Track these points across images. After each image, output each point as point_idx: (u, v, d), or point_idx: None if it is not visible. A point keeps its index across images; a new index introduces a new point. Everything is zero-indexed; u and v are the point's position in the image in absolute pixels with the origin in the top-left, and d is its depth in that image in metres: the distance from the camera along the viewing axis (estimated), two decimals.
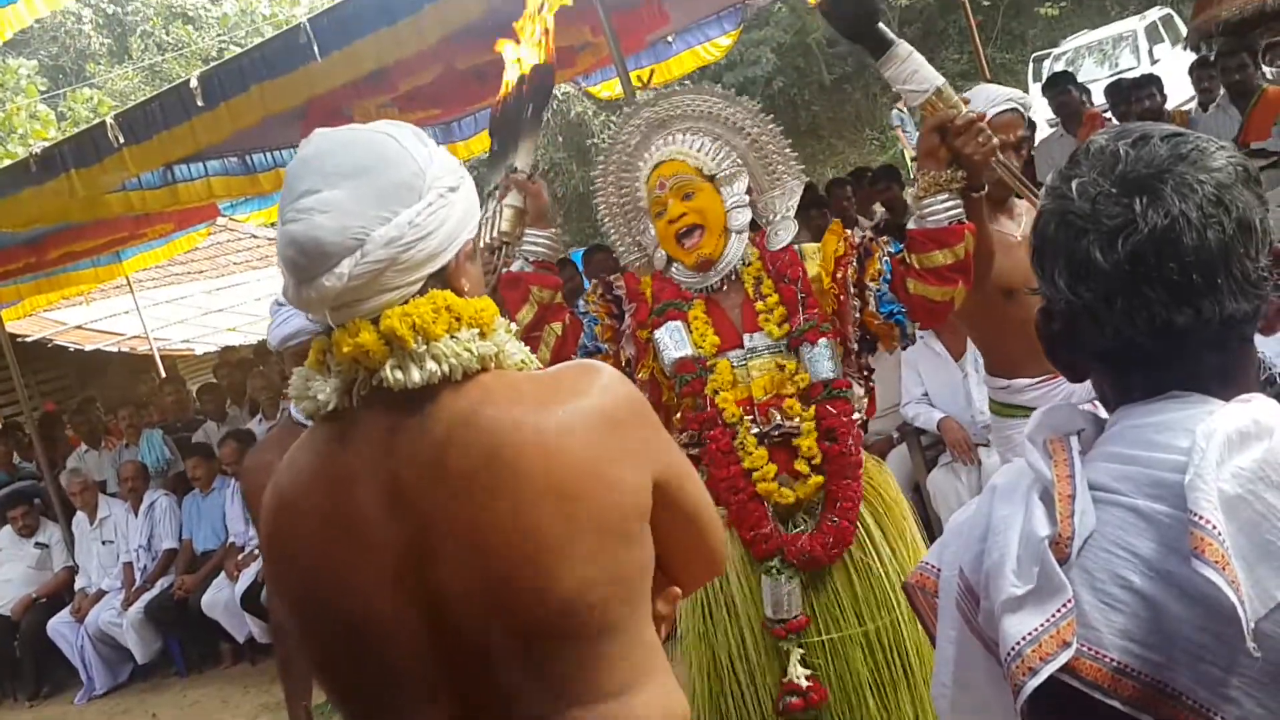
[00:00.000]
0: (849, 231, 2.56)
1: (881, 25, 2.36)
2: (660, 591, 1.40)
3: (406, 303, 1.26)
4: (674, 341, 2.55)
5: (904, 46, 2.33)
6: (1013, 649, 0.94)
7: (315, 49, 5.33)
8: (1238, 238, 0.98)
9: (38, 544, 7.80)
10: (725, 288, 2.59)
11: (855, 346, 2.56)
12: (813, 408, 2.48)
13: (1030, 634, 0.94)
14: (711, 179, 2.57)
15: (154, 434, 8.15)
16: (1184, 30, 14.48)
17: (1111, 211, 0.99)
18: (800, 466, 2.47)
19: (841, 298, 2.51)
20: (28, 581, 7.70)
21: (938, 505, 4.83)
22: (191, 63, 19.76)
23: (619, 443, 1.27)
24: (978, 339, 3.41)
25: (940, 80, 2.33)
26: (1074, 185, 1.02)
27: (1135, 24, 17.57)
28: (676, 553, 1.39)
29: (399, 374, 1.25)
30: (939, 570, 1.12)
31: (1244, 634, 0.89)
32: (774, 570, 2.43)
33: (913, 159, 9.93)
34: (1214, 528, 0.89)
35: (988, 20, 19.01)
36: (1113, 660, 0.94)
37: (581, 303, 2.71)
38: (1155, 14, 17.65)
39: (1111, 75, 11.68)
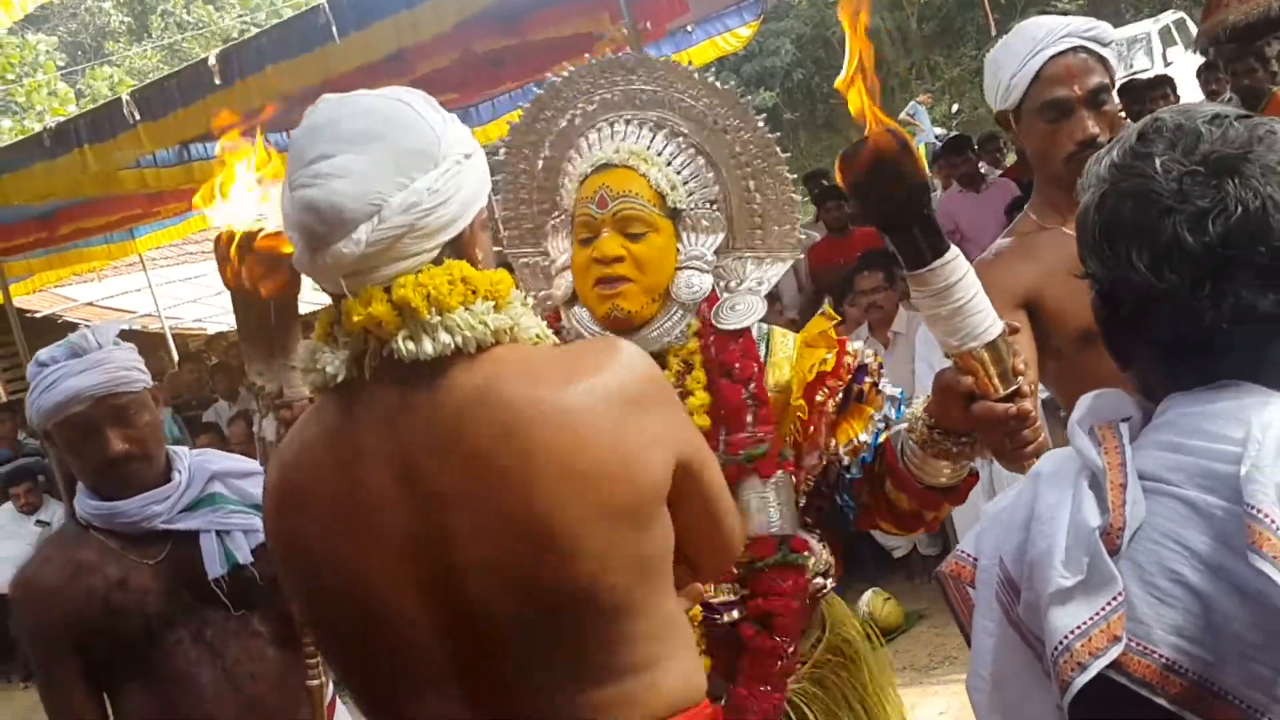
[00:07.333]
0: (846, 340, 1.84)
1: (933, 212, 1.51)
2: (681, 584, 1.38)
3: (421, 271, 1.23)
4: None
5: (962, 262, 1.50)
6: (1060, 643, 0.91)
7: (334, 30, 5.31)
8: None
9: (39, 522, 7.75)
10: None
11: (810, 485, 1.83)
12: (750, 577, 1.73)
13: (1079, 628, 0.91)
14: (674, 215, 1.80)
15: (164, 412, 8.12)
16: (1196, 33, 14.44)
17: (1201, 192, 0.96)
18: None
19: (812, 428, 1.79)
20: None
21: None
22: (211, 42, 19.73)
23: (639, 421, 1.24)
24: (1058, 391, 2.47)
25: (999, 328, 1.53)
26: (1157, 163, 0.98)
27: (1149, 26, 17.59)
28: (691, 537, 1.36)
29: (411, 345, 1.21)
30: (976, 559, 1.08)
31: None
32: None
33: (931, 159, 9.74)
34: (1272, 522, 0.86)
35: (1004, 17, 18.90)
36: (1162, 657, 0.91)
37: None
38: (1169, 17, 17.68)
39: (1126, 76, 11.66)
